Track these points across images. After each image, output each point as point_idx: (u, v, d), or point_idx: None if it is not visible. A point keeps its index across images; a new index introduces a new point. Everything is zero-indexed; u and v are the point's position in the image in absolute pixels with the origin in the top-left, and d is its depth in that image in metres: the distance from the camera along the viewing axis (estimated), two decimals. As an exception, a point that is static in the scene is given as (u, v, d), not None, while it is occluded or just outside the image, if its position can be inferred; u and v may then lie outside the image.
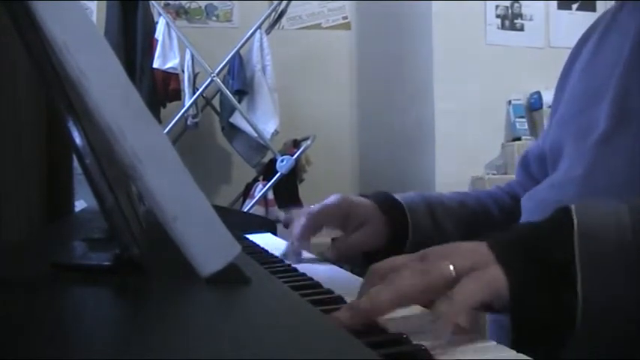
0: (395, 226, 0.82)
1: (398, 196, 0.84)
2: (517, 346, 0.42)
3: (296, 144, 3.00)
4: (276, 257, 0.78)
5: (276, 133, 2.81)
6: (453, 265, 0.45)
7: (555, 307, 0.45)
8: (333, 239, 0.83)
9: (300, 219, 0.80)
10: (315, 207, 0.81)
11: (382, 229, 0.81)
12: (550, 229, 0.49)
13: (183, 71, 2.77)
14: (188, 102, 2.73)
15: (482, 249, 0.47)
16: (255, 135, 2.74)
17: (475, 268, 0.45)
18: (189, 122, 2.86)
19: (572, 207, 0.48)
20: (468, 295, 0.42)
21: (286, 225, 0.86)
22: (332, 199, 0.81)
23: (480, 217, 0.87)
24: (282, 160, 2.68)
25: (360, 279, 0.54)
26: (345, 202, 0.81)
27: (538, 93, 3.00)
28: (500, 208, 0.89)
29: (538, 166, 0.87)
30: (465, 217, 0.86)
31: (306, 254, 0.82)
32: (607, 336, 0.46)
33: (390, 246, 0.81)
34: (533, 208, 0.76)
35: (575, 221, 0.47)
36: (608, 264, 0.45)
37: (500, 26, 3.09)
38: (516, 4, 3.12)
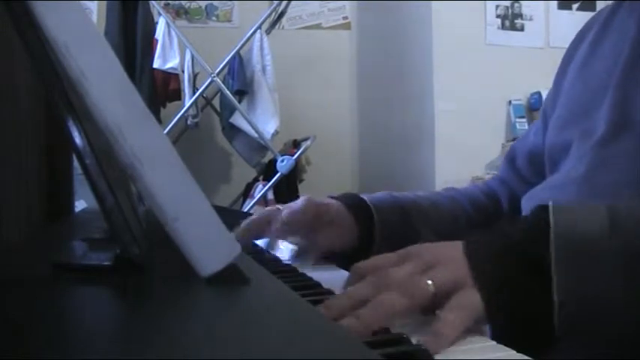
0: (363, 226, 0.80)
1: (365, 196, 0.82)
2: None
3: (296, 144, 3.00)
4: (277, 257, 0.78)
5: (276, 133, 2.81)
6: (433, 282, 0.46)
7: (533, 313, 0.47)
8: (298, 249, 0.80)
9: (267, 221, 0.79)
10: (283, 215, 0.78)
11: (351, 230, 0.79)
12: (527, 230, 0.50)
13: (183, 71, 2.78)
14: (188, 102, 2.73)
15: (461, 265, 0.48)
16: (256, 135, 2.75)
17: (455, 287, 0.46)
18: (189, 122, 2.86)
19: (550, 206, 0.49)
20: (453, 329, 0.44)
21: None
22: (298, 204, 0.79)
23: (454, 218, 0.86)
24: (282, 160, 2.69)
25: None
26: (310, 206, 0.79)
27: (538, 93, 3.01)
28: (476, 208, 0.88)
29: (528, 163, 0.86)
30: (437, 217, 0.84)
31: (284, 243, 0.82)
32: (588, 336, 0.47)
33: (361, 245, 0.80)
34: (533, 207, 0.75)
35: (552, 222, 0.48)
36: (585, 265, 0.46)
37: (500, 26, 3.09)
38: (516, 4, 3.12)
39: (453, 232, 0.84)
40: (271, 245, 0.81)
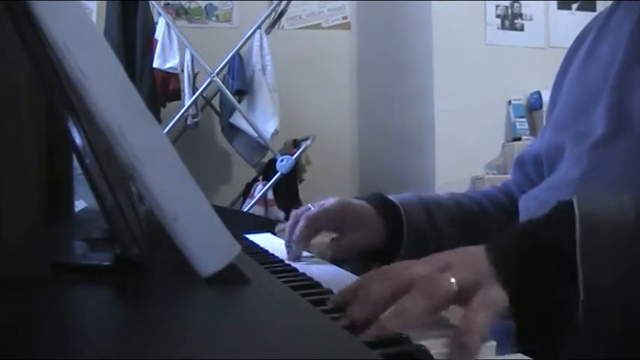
0: (391, 226, 0.82)
1: (393, 197, 0.85)
2: (520, 345, 0.42)
3: (296, 144, 3.00)
4: (276, 257, 0.79)
5: (276, 132, 2.81)
6: (456, 280, 0.45)
7: (558, 307, 0.46)
8: (332, 239, 0.83)
9: (299, 222, 0.80)
10: (313, 210, 0.81)
11: (379, 230, 0.82)
12: (551, 223, 0.49)
13: (182, 71, 2.77)
14: (188, 102, 2.73)
15: (482, 262, 0.47)
16: (255, 135, 2.74)
17: (478, 284, 0.45)
18: (189, 122, 2.86)
19: (574, 199, 0.48)
20: (479, 325, 0.43)
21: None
22: (330, 202, 0.82)
23: (476, 217, 0.88)
24: (282, 160, 2.68)
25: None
26: (343, 206, 0.82)
27: (538, 93, 3.01)
28: (496, 207, 0.90)
29: (534, 167, 0.87)
30: (461, 217, 0.86)
31: (304, 253, 0.83)
32: (611, 329, 0.47)
33: (387, 246, 0.82)
34: (531, 208, 0.76)
35: (577, 213, 0.47)
36: (610, 256, 0.46)
37: (500, 26, 3.09)
38: (516, 4, 3.12)
39: (477, 231, 0.86)
40: (292, 254, 0.81)
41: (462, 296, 0.45)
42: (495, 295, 0.45)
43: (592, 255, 0.46)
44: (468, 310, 0.44)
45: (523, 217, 0.77)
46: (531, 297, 0.46)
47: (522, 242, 0.49)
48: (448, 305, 0.45)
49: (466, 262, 0.48)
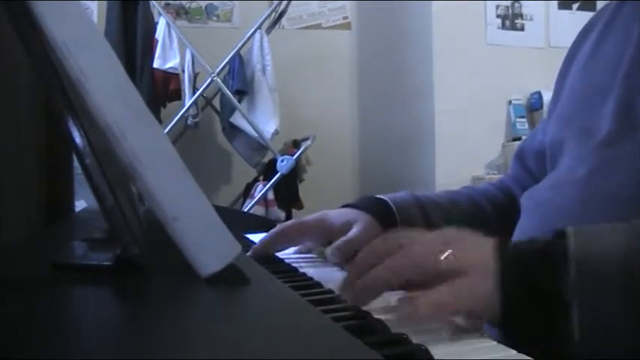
0: (385, 224, 0.80)
1: (385, 196, 0.83)
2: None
3: (296, 144, 3.00)
4: (277, 257, 0.78)
5: (276, 133, 2.81)
6: (447, 259, 0.46)
7: (549, 333, 0.45)
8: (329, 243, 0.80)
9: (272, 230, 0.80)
10: (289, 222, 0.81)
11: (374, 227, 0.80)
12: (546, 256, 0.47)
13: (183, 71, 2.77)
14: (188, 102, 2.73)
15: (488, 260, 0.47)
16: (256, 135, 2.74)
17: (464, 272, 0.46)
18: (189, 122, 2.86)
19: (569, 232, 0.47)
20: (432, 303, 0.44)
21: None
22: (311, 215, 0.81)
23: (474, 218, 0.86)
24: (282, 160, 2.68)
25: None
26: (322, 217, 0.80)
27: (538, 93, 3.01)
28: (493, 205, 0.89)
29: (536, 161, 0.87)
30: (456, 215, 0.85)
31: (306, 254, 0.82)
32: None
33: None
34: (533, 208, 0.75)
35: (572, 249, 0.46)
36: (604, 292, 0.44)
37: (500, 26, 3.09)
38: (517, 4, 3.12)
39: (473, 229, 0.85)
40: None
41: (446, 279, 0.45)
42: (477, 290, 0.45)
43: (585, 294, 0.44)
44: (435, 288, 0.45)
45: (524, 216, 0.77)
46: (525, 312, 0.45)
47: (519, 262, 0.47)
48: (426, 277, 0.46)
49: (471, 249, 0.48)
